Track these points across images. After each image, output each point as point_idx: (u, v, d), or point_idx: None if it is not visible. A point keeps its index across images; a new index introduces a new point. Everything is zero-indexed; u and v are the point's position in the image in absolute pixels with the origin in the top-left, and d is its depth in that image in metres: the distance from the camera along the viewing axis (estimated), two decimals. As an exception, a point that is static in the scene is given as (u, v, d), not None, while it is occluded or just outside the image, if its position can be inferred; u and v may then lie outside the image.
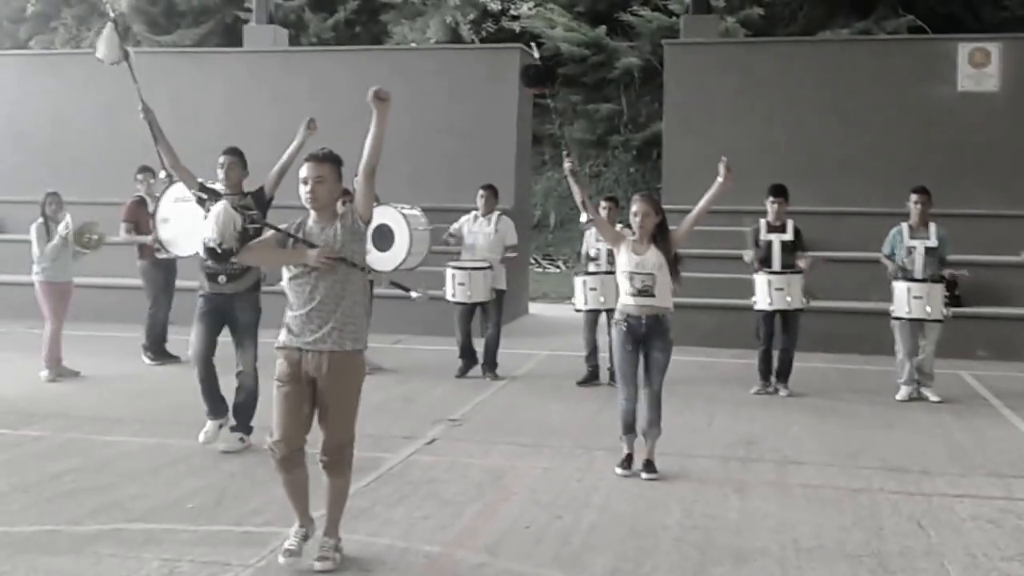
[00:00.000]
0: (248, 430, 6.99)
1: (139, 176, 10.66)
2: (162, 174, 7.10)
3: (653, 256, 6.35)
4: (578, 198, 6.64)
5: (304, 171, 4.74)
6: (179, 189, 7.93)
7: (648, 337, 6.39)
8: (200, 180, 6.96)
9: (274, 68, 15.73)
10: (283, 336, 4.80)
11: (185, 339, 10.96)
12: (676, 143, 14.29)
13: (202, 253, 6.59)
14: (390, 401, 8.64)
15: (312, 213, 4.80)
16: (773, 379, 9.36)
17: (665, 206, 11.64)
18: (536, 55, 6.93)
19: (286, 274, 4.82)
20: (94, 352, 10.73)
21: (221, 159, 6.95)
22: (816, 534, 5.37)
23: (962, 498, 6.07)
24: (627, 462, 6.53)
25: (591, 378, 9.65)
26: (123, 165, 11.77)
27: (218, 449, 6.87)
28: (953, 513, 5.78)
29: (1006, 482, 6.45)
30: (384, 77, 14.60)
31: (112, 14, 7.37)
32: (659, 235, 6.41)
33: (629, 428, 6.54)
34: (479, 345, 9.95)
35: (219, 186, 6.98)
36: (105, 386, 9.38)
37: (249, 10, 25.87)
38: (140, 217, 10.34)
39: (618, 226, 7.75)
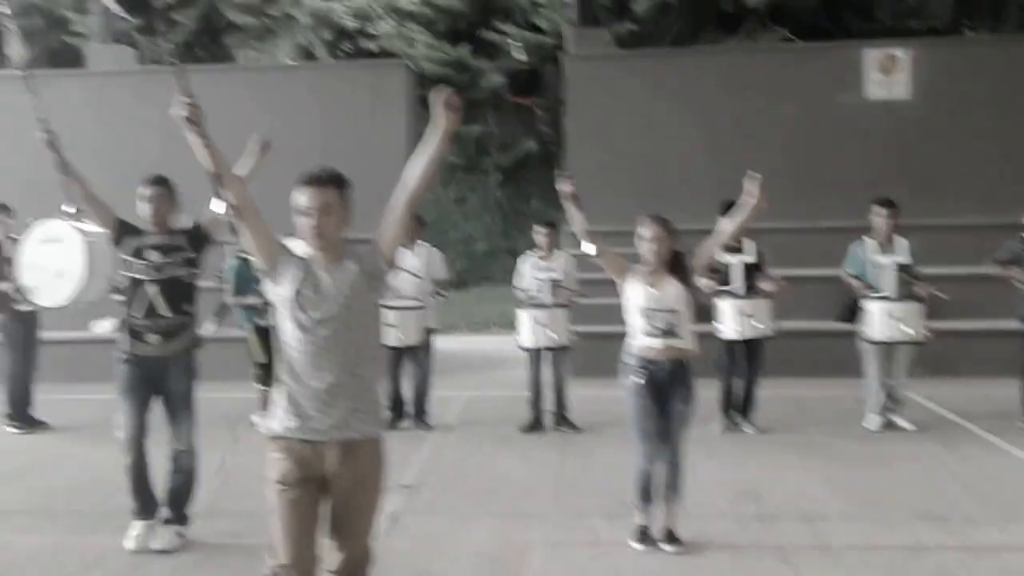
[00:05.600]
0: (184, 521, 5.65)
1: (-8, 215, 9.06)
2: (71, 208, 5.68)
3: (673, 289, 5.37)
4: (579, 227, 5.58)
5: (303, 198, 3.56)
6: (45, 229, 6.56)
7: (670, 385, 5.40)
8: (119, 217, 5.63)
9: (123, 90, 14.10)
10: (281, 422, 3.58)
11: (53, 399, 9.49)
12: (578, 159, 13.41)
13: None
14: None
15: (316, 253, 3.62)
16: (736, 415, 8.55)
17: (570, 228, 10.89)
18: (524, 57, 5.84)
19: (287, 328, 3.58)
20: (-59, 423, 9.05)
21: (146, 191, 5.62)
22: (912, 614, 4.48)
23: (1035, 552, 5.33)
24: (644, 535, 5.51)
25: (535, 424, 8.62)
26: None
27: (151, 547, 5.49)
28: (1042, 573, 5.01)
29: (1062, 526, 5.74)
30: (249, 98, 13.43)
31: (8, 11, 5.91)
32: (676, 264, 5.44)
33: (647, 495, 5.52)
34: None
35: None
36: (-36, 466, 7.78)
37: (77, 34, 24.06)
38: (-5, 262, 8.76)
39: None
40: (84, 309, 6.81)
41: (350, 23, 22.40)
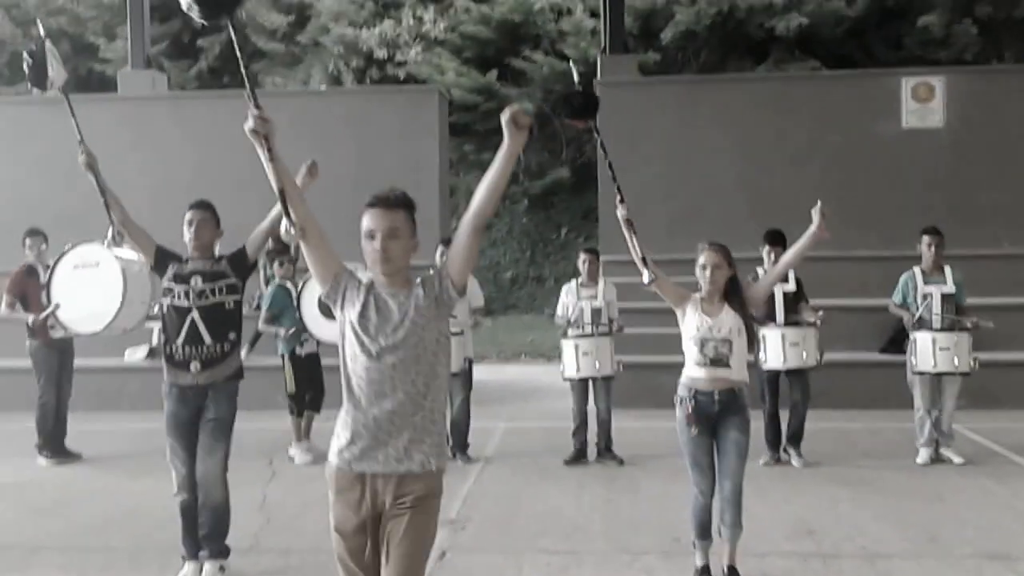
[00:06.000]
0: (224, 553, 5.51)
1: (28, 240, 8.95)
2: (109, 232, 5.56)
3: (729, 318, 5.22)
4: (637, 254, 5.42)
5: (369, 221, 3.44)
6: (80, 254, 6.47)
7: (722, 416, 5.24)
8: (158, 244, 5.53)
9: (158, 115, 14.13)
10: (339, 452, 3.46)
11: (85, 428, 9.36)
12: (609, 184, 13.30)
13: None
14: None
15: (381, 278, 3.50)
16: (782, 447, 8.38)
17: (604, 256, 10.75)
18: (576, 79, 5.70)
19: (351, 354, 3.46)
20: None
21: (188, 215, 5.51)
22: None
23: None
24: (704, 574, 5.35)
25: (579, 456, 8.46)
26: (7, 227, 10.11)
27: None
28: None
29: None
30: (284, 123, 13.36)
31: (43, 32, 5.84)
32: (732, 292, 5.30)
33: (705, 531, 5.37)
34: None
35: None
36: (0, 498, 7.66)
37: (105, 60, 24.19)
38: (28, 289, 8.68)
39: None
40: (118, 336, 6.71)
41: (380, 51, 22.42)
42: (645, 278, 5.32)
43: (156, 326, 11.89)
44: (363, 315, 3.44)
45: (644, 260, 5.36)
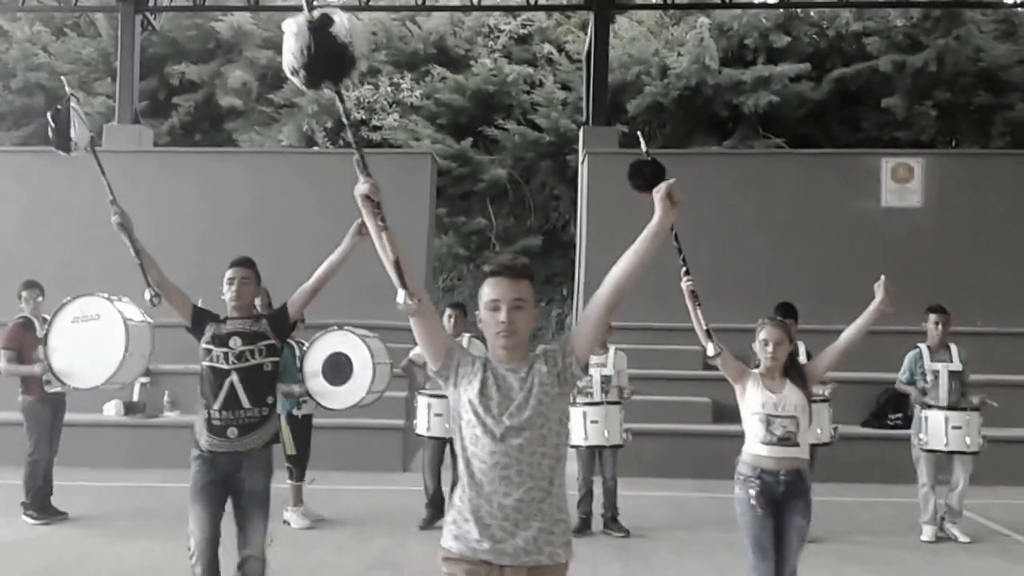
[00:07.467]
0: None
1: (24, 293, 8.68)
2: (147, 294, 5.32)
3: (793, 395, 5.18)
4: (701, 326, 5.37)
5: (493, 290, 3.29)
6: (77, 307, 6.32)
7: (787, 498, 5.16)
8: (195, 304, 5.36)
9: (147, 170, 13.95)
10: (462, 540, 3.27)
11: (65, 487, 9.01)
12: (595, 257, 13.42)
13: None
14: (367, 571, 7.05)
15: (501, 352, 3.35)
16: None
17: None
18: (644, 148, 5.64)
19: (472, 435, 3.27)
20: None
21: (229, 272, 5.33)
22: None
23: None
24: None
25: (584, 526, 8.32)
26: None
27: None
28: None
29: None
30: (281, 180, 13.26)
31: (69, 90, 5.69)
32: (793, 368, 5.28)
33: (765, 619, 5.25)
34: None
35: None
36: (-10, 561, 7.34)
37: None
38: (25, 342, 8.43)
39: None
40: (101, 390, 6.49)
41: (357, 115, 22.50)
42: (710, 351, 5.27)
43: (138, 381, 11.64)
44: (483, 393, 3.27)
45: (708, 333, 5.32)
